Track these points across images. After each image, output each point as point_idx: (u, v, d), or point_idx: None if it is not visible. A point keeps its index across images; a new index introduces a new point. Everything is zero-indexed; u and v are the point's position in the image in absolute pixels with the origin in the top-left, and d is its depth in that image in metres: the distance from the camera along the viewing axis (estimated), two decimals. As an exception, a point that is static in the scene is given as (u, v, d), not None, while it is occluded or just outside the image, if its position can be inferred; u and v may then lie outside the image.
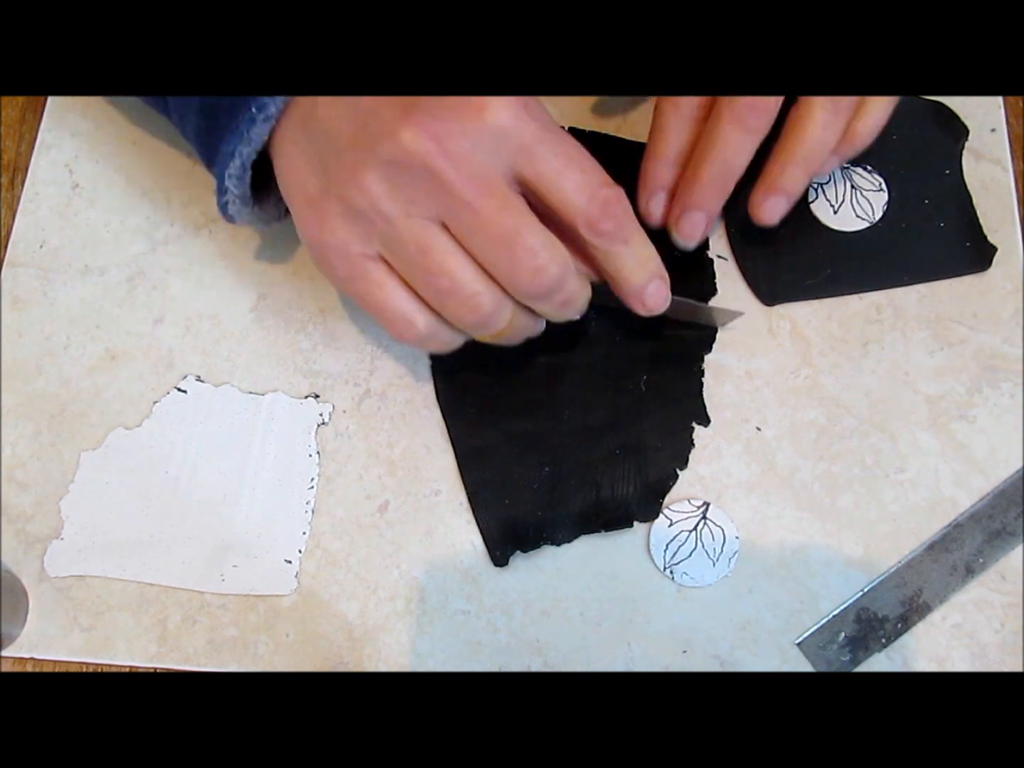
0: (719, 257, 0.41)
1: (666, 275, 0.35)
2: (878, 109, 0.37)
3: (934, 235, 0.41)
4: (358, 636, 0.37)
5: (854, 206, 0.41)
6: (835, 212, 0.41)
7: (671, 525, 0.38)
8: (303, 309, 0.42)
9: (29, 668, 0.38)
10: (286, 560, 0.38)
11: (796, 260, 0.41)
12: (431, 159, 0.29)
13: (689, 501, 0.38)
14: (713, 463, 0.39)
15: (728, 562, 0.37)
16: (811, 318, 0.40)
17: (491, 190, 0.30)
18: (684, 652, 0.37)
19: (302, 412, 0.40)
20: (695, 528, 0.38)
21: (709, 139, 0.35)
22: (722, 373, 0.40)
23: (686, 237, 0.38)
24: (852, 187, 0.42)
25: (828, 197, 0.42)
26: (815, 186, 0.42)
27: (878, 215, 0.41)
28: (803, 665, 0.36)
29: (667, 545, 0.37)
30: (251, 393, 0.41)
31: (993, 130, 0.42)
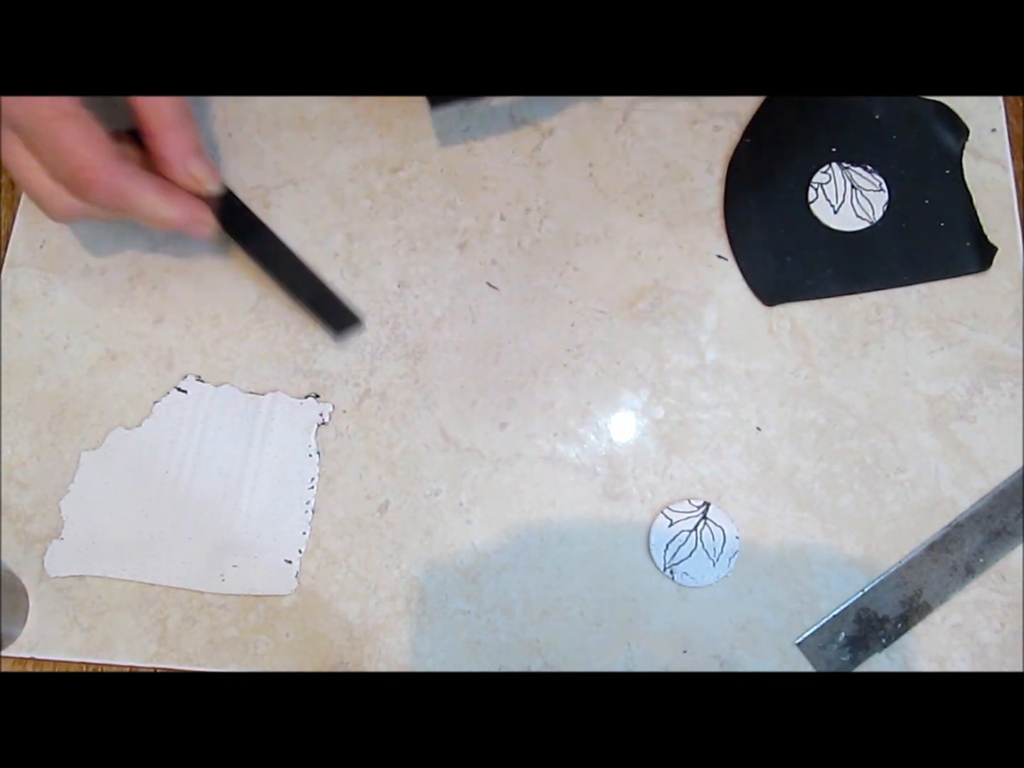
0: (719, 257, 0.41)
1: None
2: None
3: (934, 235, 0.41)
4: (358, 636, 0.37)
5: (854, 206, 0.41)
6: (835, 212, 0.41)
7: (671, 525, 0.38)
8: (303, 309, 0.42)
9: (29, 668, 0.38)
10: (286, 560, 0.38)
11: (796, 260, 0.41)
12: None
13: (689, 501, 0.38)
14: (713, 463, 0.39)
15: (728, 562, 0.37)
16: (811, 318, 0.40)
17: None
18: (684, 652, 0.37)
19: (302, 412, 0.40)
20: (695, 528, 0.38)
21: None
22: (722, 373, 0.40)
23: None
24: (852, 187, 0.42)
25: (828, 197, 0.41)
26: (815, 186, 0.42)
27: (878, 215, 0.41)
28: (803, 665, 0.36)
29: (667, 545, 0.37)
30: (251, 393, 0.41)
31: (993, 130, 0.42)
